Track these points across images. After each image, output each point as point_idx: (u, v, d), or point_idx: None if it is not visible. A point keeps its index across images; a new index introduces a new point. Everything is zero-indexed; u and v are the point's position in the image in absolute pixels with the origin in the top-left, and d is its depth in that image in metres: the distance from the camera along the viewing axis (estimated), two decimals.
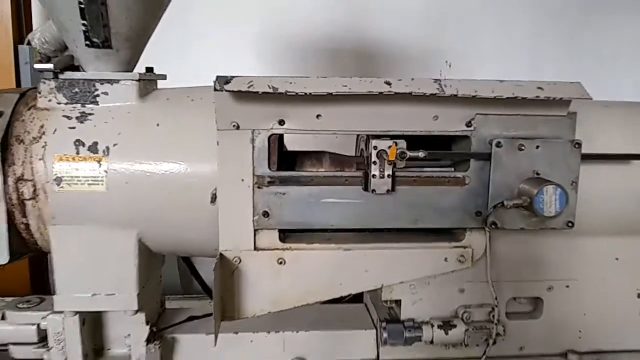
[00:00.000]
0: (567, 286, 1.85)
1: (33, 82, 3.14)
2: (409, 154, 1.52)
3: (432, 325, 1.76)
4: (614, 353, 1.90)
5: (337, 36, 3.68)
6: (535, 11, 3.85)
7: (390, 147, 1.52)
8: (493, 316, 1.76)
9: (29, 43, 1.83)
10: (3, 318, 1.86)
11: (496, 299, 1.73)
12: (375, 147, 1.54)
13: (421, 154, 1.52)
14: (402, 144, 1.54)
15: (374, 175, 1.56)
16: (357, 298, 2.22)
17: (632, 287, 1.90)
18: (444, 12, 3.78)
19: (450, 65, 3.87)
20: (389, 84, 1.47)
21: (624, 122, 1.81)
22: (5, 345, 1.89)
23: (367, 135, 1.59)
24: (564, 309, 1.87)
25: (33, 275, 3.19)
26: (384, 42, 3.77)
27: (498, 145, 1.58)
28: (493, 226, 1.62)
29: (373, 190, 1.57)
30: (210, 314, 1.95)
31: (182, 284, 3.23)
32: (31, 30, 3.25)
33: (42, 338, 1.84)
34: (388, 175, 1.56)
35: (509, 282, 1.80)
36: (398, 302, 1.80)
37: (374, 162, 1.55)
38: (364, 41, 3.75)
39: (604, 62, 3.90)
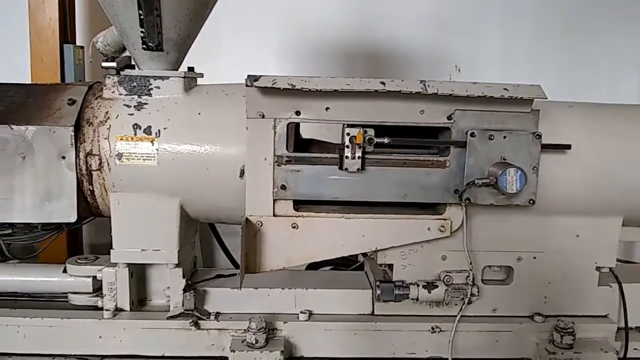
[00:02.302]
0: (535, 258, 2.18)
1: (76, 77, 3.54)
2: (376, 139, 1.90)
3: (418, 285, 2.12)
4: (575, 317, 2.21)
5: (351, 42, 4.04)
6: (538, 19, 4.15)
7: (358, 133, 1.88)
8: (469, 279, 2.11)
9: (93, 45, 2.23)
10: (65, 271, 2.26)
11: (471, 263, 2.08)
12: (348, 134, 1.91)
13: (386, 140, 1.90)
14: (371, 131, 1.90)
15: (346, 157, 1.92)
16: (359, 268, 2.61)
17: (591, 261, 2.22)
18: (452, 19, 4.10)
19: (459, 70, 4.20)
20: (383, 83, 1.85)
21: (584, 119, 2.15)
22: (66, 294, 2.29)
23: (344, 124, 1.93)
24: (532, 277, 2.20)
25: (70, 246, 3.54)
26: (395, 48, 4.11)
27: (472, 135, 1.94)
28: (467, 201, 1.98)
29: (346, 169, 1.93)
30: (234, 274, 2.35)
31: (203, 258, 3.60)
32: (74, 32, 3.67)
33: (97, 288, 2.23)
34: (358, 157, 1.92)
35: (484, 251, 2.15)
36: (391, 266, 2.16)
37: (347, 146, 1.91)
38: (376, 47, 4.09)
39: (601, 68, 4.17)
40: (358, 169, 1.93)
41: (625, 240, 2.64)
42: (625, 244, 3.76)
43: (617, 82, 4.21)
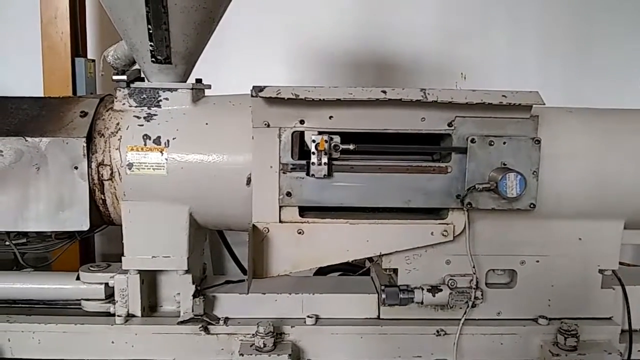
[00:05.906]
0: (538, 261, 2.21)
1: (87, 90, 3.63)
2: (342, 146, 1.95)
3: (423, 289, 2.15)
4: (578, 319, 2.23)
5: (358, 51, 4.10)
6: (544, 26, 4.21)
7: (321, 140, 1.94)
8: (473, 283, 2.15)
9: (104, 58, 2.31)
10: (78, 279, 2.31)
11: (474, 267, 2.12)
12: (314, 141, 1.96)
13: (351, 146, 1.95)
14: (337, 138, 1.95)
15: (313, 163, 1.97)
16: (365, 273, 2.65)
17: (593, 264, 2.24)
18: (459, 28, 4.16)
19: (465, 77, 4.25)
20: (384, 92, 1.90)
21: (584, 124, 2.19)
22: (79, 300, 2.34)
23: (316, 132, 1.97)
24: (535, 281, 2.22)
25: (82, 255, 3.58)
26: (402, 57, 4.16)
27: (473, 141, 1.99)
28: (469, 206, 2.02)
29: (312, 175, 1.97)
30: (242, 280, 2.40)
31: (213, 266, 3.66)
32: (86, 46, 3.76)
33: (109, 295, 2.28)
34: (324, 163, 1.97)
35: (487, 255, 2.18)
36: (396, 271, 2.20)
37: (313, 153, 1.96)
38: (384, 56, 4.15)
39: (607, 74, 4.20)
40: (325, 175, 1.97)
41: (635, 244, 2.67)
42: (636, 248, 3.77)
43: (623, 87, 4.23)
